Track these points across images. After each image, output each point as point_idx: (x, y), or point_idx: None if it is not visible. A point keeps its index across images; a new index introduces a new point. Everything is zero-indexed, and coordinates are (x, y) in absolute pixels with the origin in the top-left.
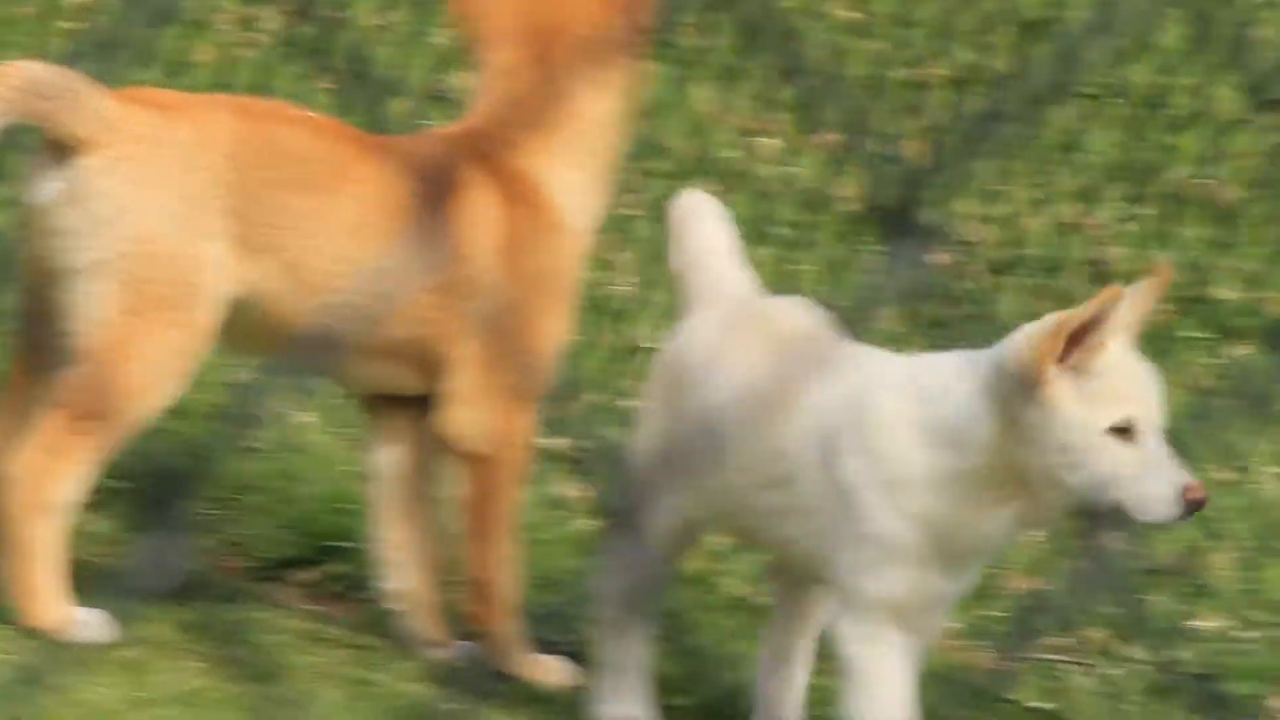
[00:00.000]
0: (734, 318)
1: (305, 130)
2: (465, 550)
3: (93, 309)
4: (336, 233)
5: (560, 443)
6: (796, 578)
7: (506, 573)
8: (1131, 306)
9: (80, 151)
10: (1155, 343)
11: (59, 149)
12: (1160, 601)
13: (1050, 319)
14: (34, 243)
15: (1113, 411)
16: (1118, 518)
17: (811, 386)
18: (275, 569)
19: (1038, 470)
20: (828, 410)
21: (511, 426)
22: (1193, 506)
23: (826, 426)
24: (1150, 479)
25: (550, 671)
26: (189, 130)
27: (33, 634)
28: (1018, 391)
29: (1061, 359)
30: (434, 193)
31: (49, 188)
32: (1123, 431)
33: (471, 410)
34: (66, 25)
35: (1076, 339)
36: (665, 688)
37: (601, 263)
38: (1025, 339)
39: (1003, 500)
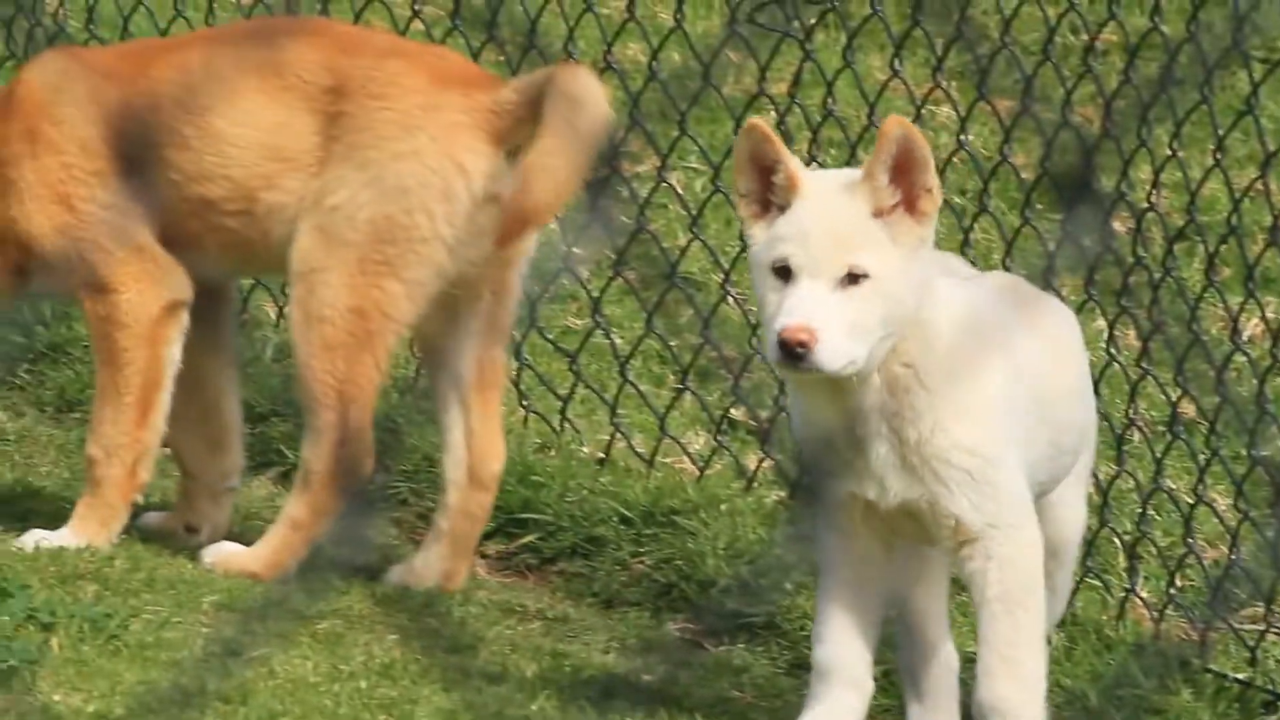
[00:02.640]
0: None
1: None
2: None
3: None
4: None
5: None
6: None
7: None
8: (874, 159)
9: None
10: None
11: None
12: None
13: None
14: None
15: (776, 250)
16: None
17: None
18: None
19: None
20: None
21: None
22: (784, 349)
23: None
24: (770, 320)
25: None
26: None
27: (229, 607)
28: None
29: (764, 200)
30: None
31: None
32: (781, 272)
33: None
34: (236, 0)
35: (766, 177)
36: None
37: None
38: None
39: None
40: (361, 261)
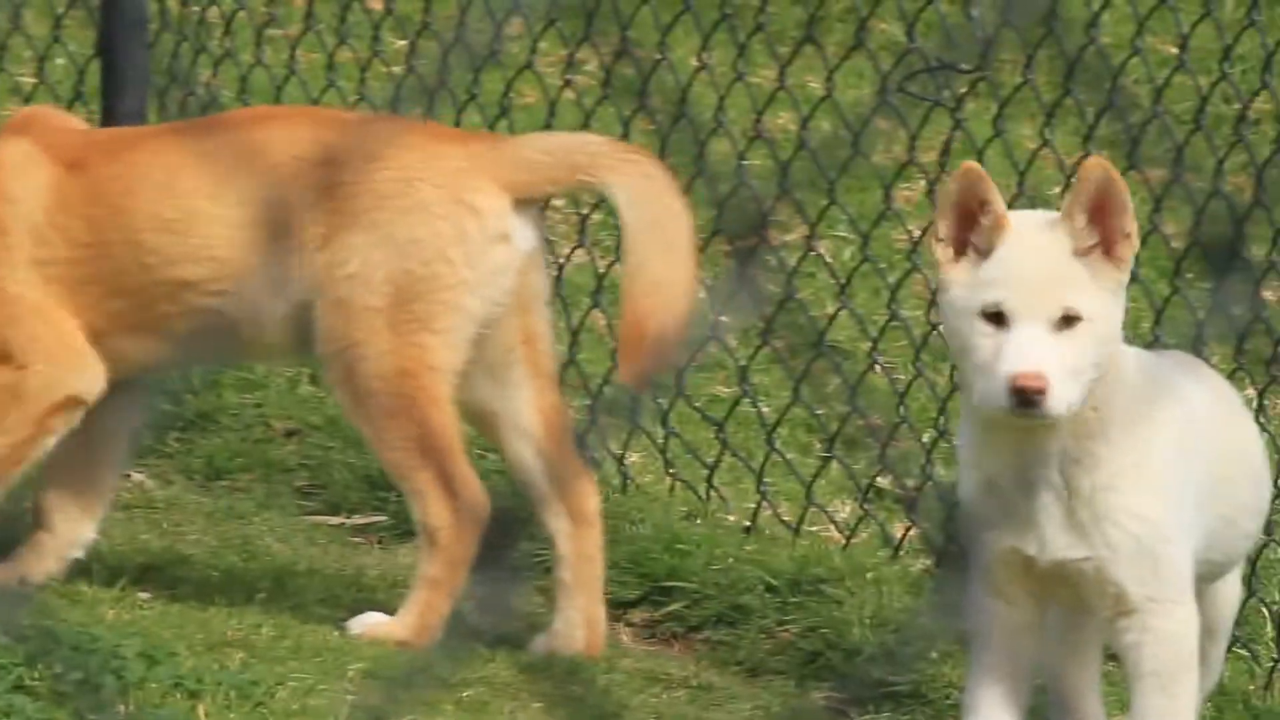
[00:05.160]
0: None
1: None
2: None
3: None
4: None
5: (890, 481)
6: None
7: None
8: (1074, 199)
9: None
10: None
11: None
12: None
13: None
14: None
15: (986, 294)
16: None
17: None
18: (612, 609)
19: (958, 365)
20: None
21: None
22: (1019, 396)
23: None
24: (996, 366)
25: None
26: None
27: (375, 675)
28: (937, 282)
29: (962, 242)
30: None
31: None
32: (994, 316)
33: None
34: (387, 69)
35: (969, 221)
36: None
37: (928, 301)
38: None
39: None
40: (392, 324)
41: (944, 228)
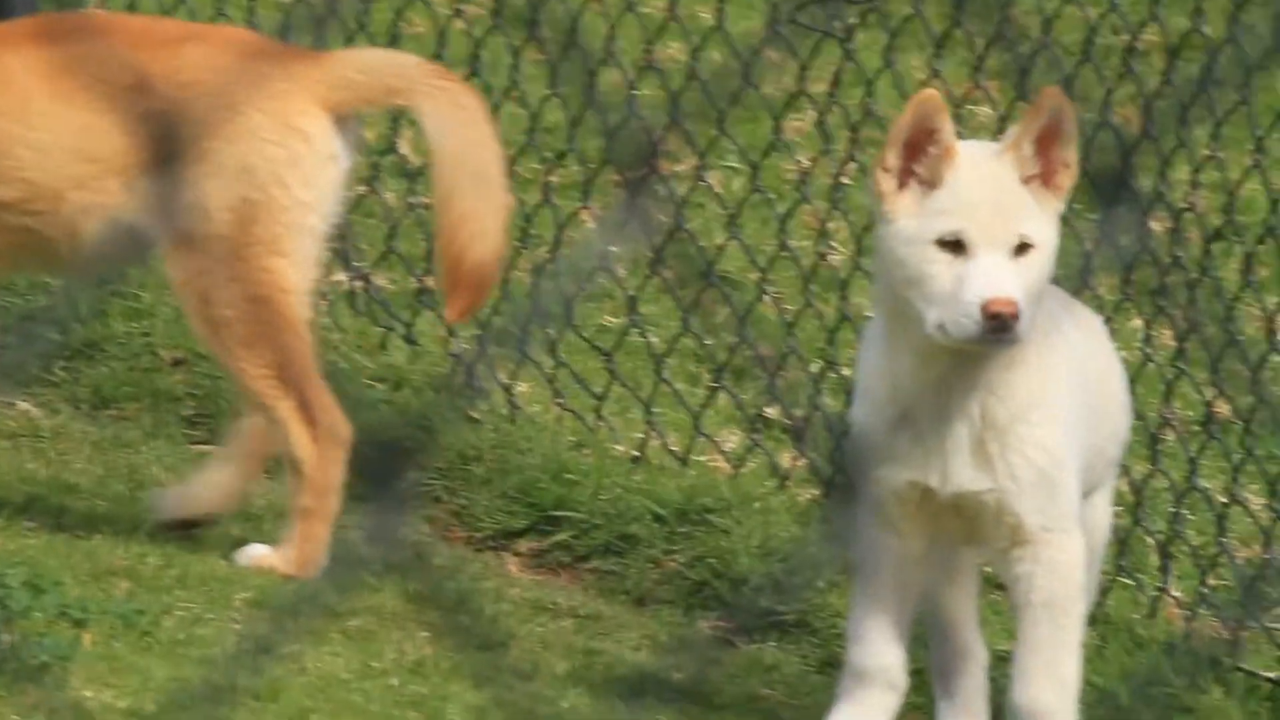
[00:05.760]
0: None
1: None
2: None
3: None
4: None
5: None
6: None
7: None
8: (1024, 128)
9: None
10: None
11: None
12: None
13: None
14: None
15: (942, 223)
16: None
17: None
18: (499, 539)
19: (898, 296)
20: None
21: None
22: (995, 322)
23: None
24: (963, 294)
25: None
26: None
27: (261, 604)
28: (875, 212)
29: (906, 172)
30: None
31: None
32: (952, 245)
33: None
34: None
35: (915, 150)
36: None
37: (817, 232)
38: (875, 159)
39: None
40: (236, 251)
41: (892, 157)
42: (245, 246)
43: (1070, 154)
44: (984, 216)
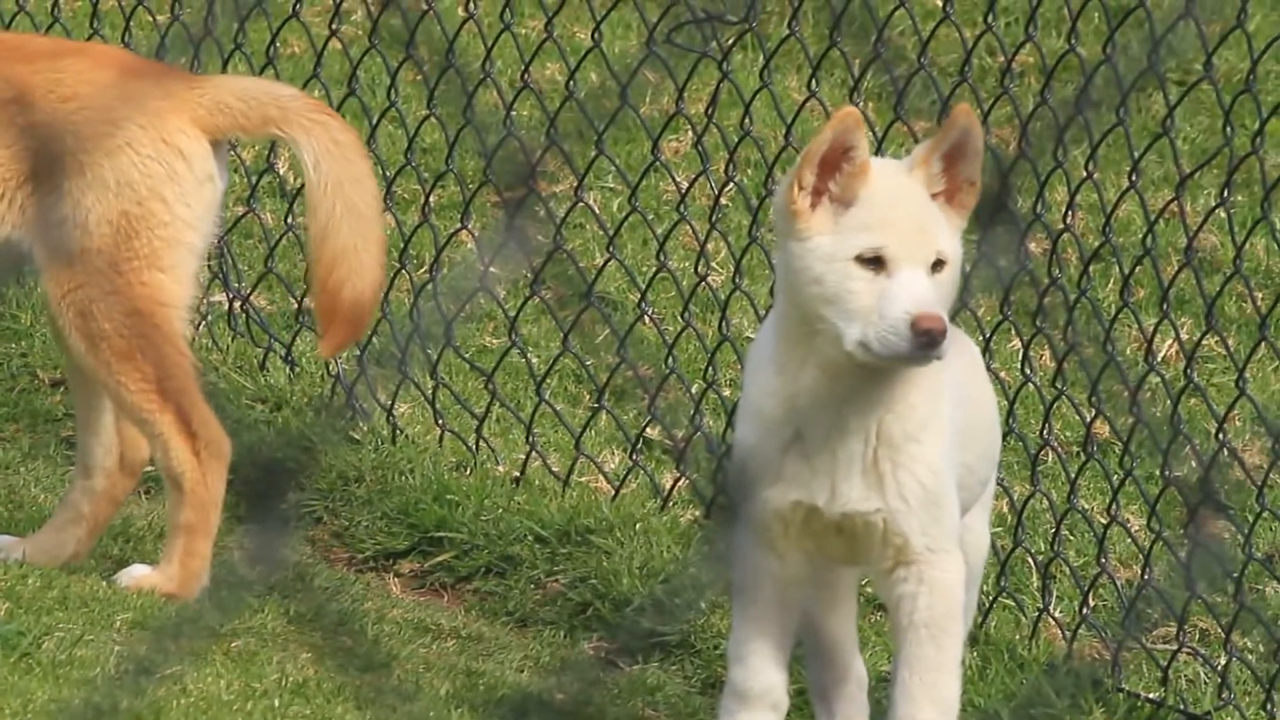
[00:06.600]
0: None
1: None
2: None
3: None
4: None
5: (659, 432)
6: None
7: None
8: (934, 145)
9: None
10: (1251, 331)
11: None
12: (1272, 590)
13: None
14: None
15: (862, 239)
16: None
17: None
18: (381, 560)
19: (810, 314)
20: None
21: None
22: (926, 337)
23: None
24: (889, 310)
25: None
26: None
27: (143, 625)
28: (786, 230)
29: (819, 190)
30: None
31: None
32: (872, 261)
33: None
34: (152, 18)
35: (829, 168)
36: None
37: (696, 253)
38: (787, 177)
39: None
40: (114, 265)
41: (808, 175)
42: (124, 260)
43: (975, 172)
44: (904, 232)
